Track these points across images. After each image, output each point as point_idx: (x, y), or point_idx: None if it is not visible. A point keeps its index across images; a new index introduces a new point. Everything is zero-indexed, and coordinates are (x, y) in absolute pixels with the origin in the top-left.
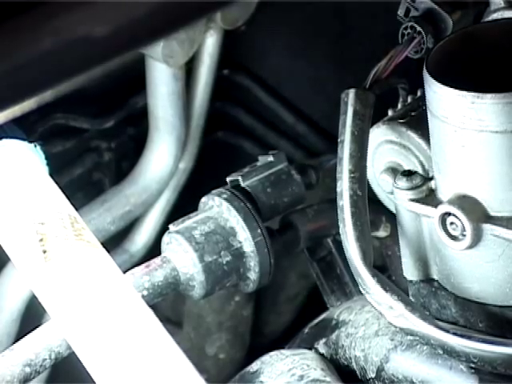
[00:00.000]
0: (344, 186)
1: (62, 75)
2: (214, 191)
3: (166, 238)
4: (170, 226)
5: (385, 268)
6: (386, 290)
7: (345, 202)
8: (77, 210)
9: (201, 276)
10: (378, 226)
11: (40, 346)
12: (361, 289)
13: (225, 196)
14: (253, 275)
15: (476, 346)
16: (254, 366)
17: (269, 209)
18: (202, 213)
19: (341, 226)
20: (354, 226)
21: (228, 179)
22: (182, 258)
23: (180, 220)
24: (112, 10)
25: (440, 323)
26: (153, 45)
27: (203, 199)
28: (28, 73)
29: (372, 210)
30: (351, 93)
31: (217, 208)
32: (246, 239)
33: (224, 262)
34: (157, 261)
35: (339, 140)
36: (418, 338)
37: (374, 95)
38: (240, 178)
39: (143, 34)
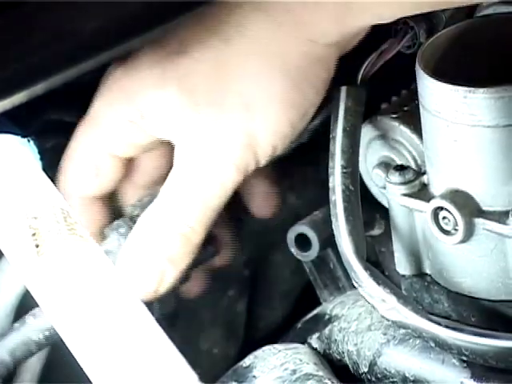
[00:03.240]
0: (336, 181)
1: (54, 69)
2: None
3: None
4: None
5: (378, 264)
6: (379, 284)
7: (337, 197)
8: None
9: None
10: (373, 225)
11: None
12: (353, 282)
13: None
14: None
15: (467, 339)
16: (247, 361)
17: None
18: None
19: (333, 220)
20: (346, 220)
21: None
22: None
23: None
24: (102, 6)
25: (432, 316)
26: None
27: None
28: (19, 66)
29: (366, 209)
30: (342, 90)
31: None
32: None
33: None
34: None
35: (331, 136)
36: (410, 332)
37: (365, 92)
38: None
39: (133, 29)
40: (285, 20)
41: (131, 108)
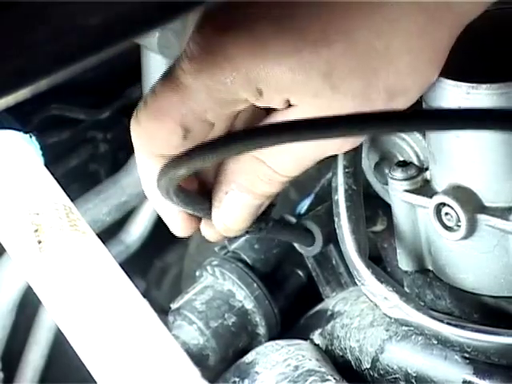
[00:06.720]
0: (339, 180)
1: (56, 65)
2: (204, 263)
3: (170, 318)
4: (171, 305)
5: (380, 259)
6: (381, 282)
7: (340, 197)
8: (72, 200)
9: (212, 342)
10: (376, 220)
11: None
12: (356, 280)
13: (215, 263)
14: (261, 330)
15: (469, 336)
16: (250, 357)
17: (261, 263)
18: (198, 284)
19: (336, 219)
20: (349, 219)
21: (216, 248)
22: (188, 331)
23: (179, 297)
24: (103, 3)
25: (434, 313)
26: (148, 35)
27: (197, 272)
28: (21, 62)
29: (368, 205)
30: None
31: (211, 276)
32: (245, 297)
33: (230, 324)
34: None
35: None
36: (412, 329)
37: None
38: (227, 243)
39: (136, 24)
40: (437, 12)
41: (250, 89)
